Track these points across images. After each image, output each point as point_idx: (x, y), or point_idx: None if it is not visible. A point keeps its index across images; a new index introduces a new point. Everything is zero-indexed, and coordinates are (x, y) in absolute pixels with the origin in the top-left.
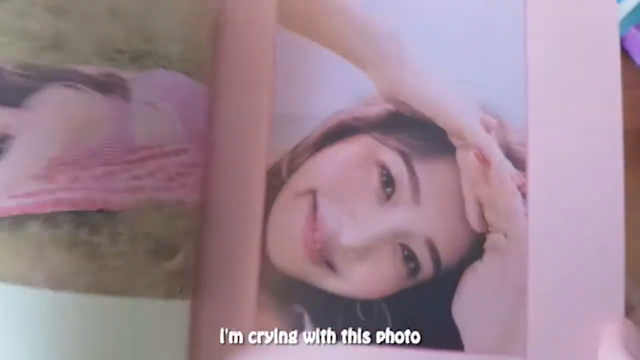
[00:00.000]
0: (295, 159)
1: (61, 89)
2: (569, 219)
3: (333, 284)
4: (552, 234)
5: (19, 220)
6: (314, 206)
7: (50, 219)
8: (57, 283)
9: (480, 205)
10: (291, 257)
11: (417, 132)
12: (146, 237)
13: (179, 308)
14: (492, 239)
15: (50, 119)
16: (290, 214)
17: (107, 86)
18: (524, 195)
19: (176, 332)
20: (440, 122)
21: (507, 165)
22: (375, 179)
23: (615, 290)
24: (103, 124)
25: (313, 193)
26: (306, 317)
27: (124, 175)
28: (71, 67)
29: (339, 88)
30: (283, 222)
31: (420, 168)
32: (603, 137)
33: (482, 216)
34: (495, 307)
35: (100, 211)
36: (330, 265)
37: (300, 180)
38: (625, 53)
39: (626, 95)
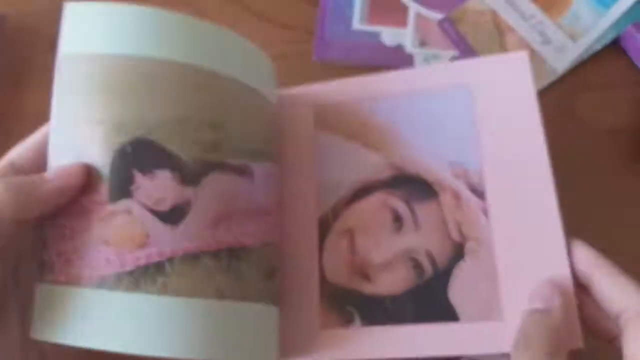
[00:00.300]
0: (336, 211)
1: (219, 174)
2: (517, 225)
3: (369, 289)
4: (507, 236)
5: (195, 256)
6: (352, 240)
7: (214, 254)
8: (221, 294)
9: (458, 225)
10: (340, 274)
11: (413, 186)
12: (264, 264)
13: (276, 311)
14: (468, 246)
15: (213, 193)
16: (337, 246)
17: (242, 172)
18: (485, 215)
19: (276, 325)
20: (426, 177)
21: (472, 197)
22: (389, 218)
23: (560, 267)
24: (240, 194)
25: (350, 231)
26: (355, 313)
27: (252, 225)
28: (223, 160)
29: (361, 163)
30: (332, 252)
31: (417, 207)
32: (532, 172)
33: (460, 232)
34: (477, 289)
35: (242, 248)
36: (366, 277)
37: (341, 224)
38: (622, 52)
39: (624, 95)
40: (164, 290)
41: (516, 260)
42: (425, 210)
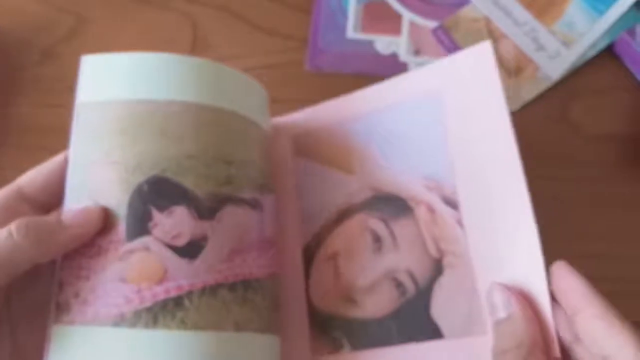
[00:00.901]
0: (319, 238)
1: (233, 207)
2: (492, 235)
3: (356, 313)
4: (483, 247)
5: (213, 288)
6: (336, 265)
7: (231, 286)
8: (238, 327)
9: (435, 240)
10: (327, 300)
11: (389, 204)
12: (272, 295)
13: (279, 341)
14: (447, 260)
15: (228, 226)
16: (322, 272)
17: (253, 204)
18: (461, 226)
19: (279, 355)
20: (401, 194)
21: (446, 209)
22: (369, 239)
23: (535, 277)
24: (253, 227)
25: (334, 257)
26: (344, 339)
27: (264, 257)
28: (236, 194)
29: (339, 188)
30: (318, 278)
31: (394, 226)
32: (504, 176)
33: (437, 247)
34: (458, 304)
35: (256, 280)
36: (352, 301)
37: (325, 250)
38: (616, 58)
39: (618, 101)
40: (183, 326)
41: (494, 271)
42: (402, 228)
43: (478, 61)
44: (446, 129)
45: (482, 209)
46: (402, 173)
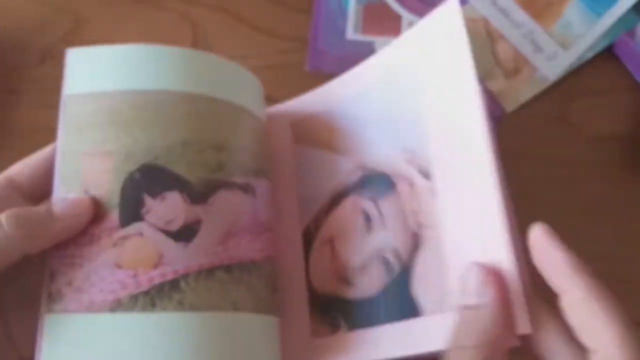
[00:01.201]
0: (317, 221)
1: (225, 192)
2: (461, 208)
3: (351, 293)
4: (453, 220)
5: (209, 270)
6: (333, 248)
7: (227, 268)
8: (235, 307)
9: (414, 214)
10: (325, 282)
11: (376, 182)
12: (269, 277)
13: (278, 322)
14: (423, 233)
15: (221, 210)
16: (321, 255)
17: (246, 189)
18: (434, 197)
19: (278, 336)
20: (386, 170)
21: (422, 180)
22: (360, 219)
23: (500, 253)
24: (246, 211)
25: (331, 240)
26: (341, 319)
27: (258, 240)
28: (228, 179)
29: (334, 171)
30: (317, 261)
31: (382, 204)
32: (471, 145)
33: (416, 220)
34: (433, 279)
35: (251, 262)
36: (347, 282)
37: (323, 233)
38: (614, 58)
39: (616, 101)
40: (180, 307)
41: (463, 245)
42: (388, 205)
43: (446, 25)
44: (421, 101)
45: (453, 181)
46: (385, 148)
